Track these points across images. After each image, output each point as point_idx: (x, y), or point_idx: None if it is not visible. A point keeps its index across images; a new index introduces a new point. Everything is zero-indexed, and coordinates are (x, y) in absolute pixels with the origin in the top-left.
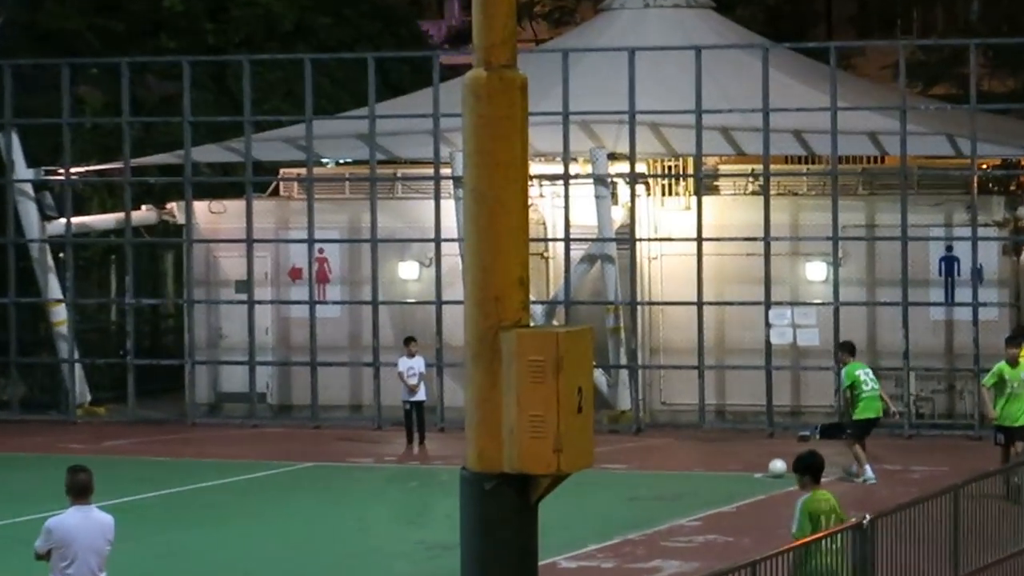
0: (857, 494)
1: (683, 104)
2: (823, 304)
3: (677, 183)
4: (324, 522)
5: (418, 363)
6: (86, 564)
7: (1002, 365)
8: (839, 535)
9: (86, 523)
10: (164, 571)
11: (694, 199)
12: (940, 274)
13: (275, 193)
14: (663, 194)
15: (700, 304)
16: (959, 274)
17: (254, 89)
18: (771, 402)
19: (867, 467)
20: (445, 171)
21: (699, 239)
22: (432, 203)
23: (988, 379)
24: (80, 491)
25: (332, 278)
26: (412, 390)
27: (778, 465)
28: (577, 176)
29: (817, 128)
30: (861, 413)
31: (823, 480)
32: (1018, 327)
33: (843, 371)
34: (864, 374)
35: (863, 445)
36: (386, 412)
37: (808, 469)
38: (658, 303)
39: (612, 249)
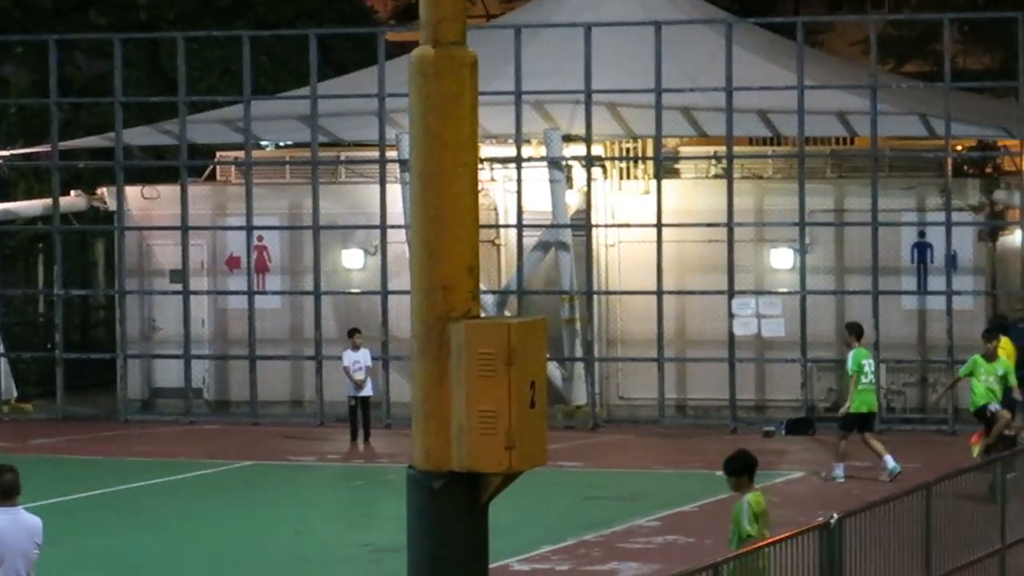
0: (824, 492)
1: (642, 83)
2: (789, 293)
3: (635, 166)
4: (263, 525)
5: (364, 356)
6: (13, 568)
7: (977, 358)
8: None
9: (13, 526)
10: None
11: (653, 183)
12: (912, 261)
13: (211, 177)
14: (621, 178)
15: (660, 293)
16: (932, 261)
17: (189, 68)
18: (734, 396)
19: (841, 466)
20: (391, 154)
21: (659, 225)
22: (377, 188)
23: (963, 370)
24: (6, 492)
25: (272, 267)
26: (358, 385)
27: None
28: (530, 159)
29: (783, 108)
30: (857, 406)
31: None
32: (994, 318)
33: (850, 355)
34: (868, 364)
35: (847, 440)
36: (329, 408)
37: (748, 468)
38: (615, 292)
39: (567, 236)
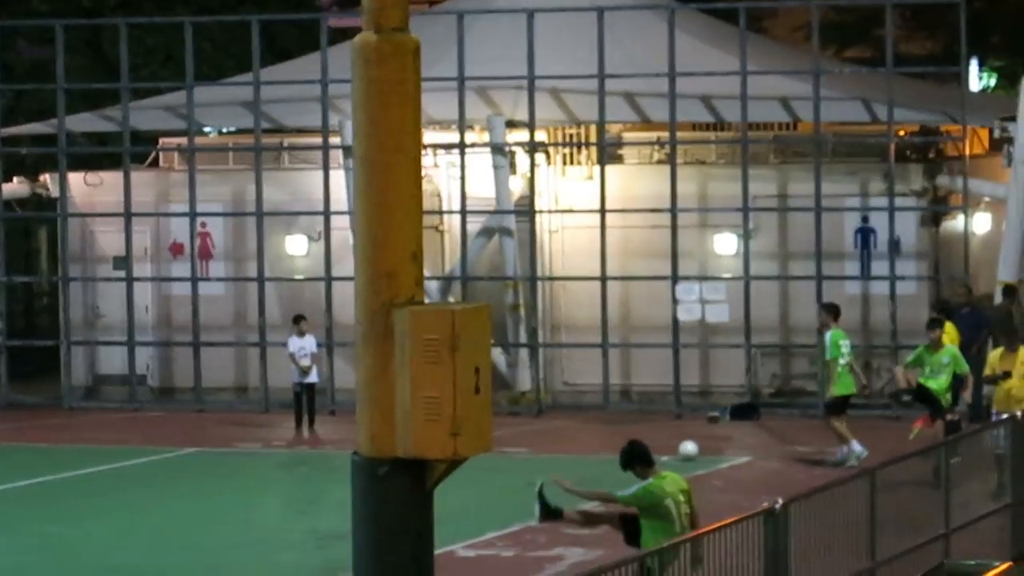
0: (769, 478)
1: (585, 69)
2: (733, 279)
3: (579, 152)
4: (208, 511)
5: (309, 343)
6: None
7: (922, 348)
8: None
9: None
10: (35, 564)
11: (597, 169)
12: (856, 246)
13: (154, 164)
14: (564, 163)
15: (604, 279)
16: (876, 246)
17: (132, 54)
18: (679, 382)
19: (854, 442)
20: (334, 140)
21: (602, 211)
22: (320, 174)
23: (909, 360)
24: None
25: (215, 254)
26: (304, 371)
27: (689, 447)
28: (473, 145)
29: (726, 93)
30: (841, 388)
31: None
32: (937, 303)
33: (828, 336)
34: (845, 344)
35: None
36: (273, 394)
37: (635, 459)
38: (559, 278)
39: (511, 222)
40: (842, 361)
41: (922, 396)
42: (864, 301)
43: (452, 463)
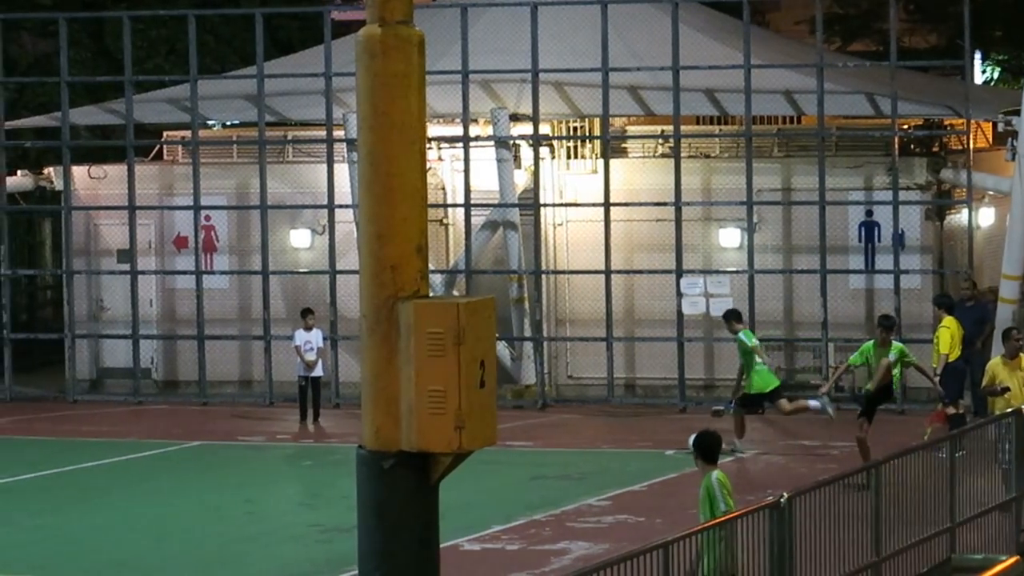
0: (774, 472)
1: (589, 62)
2: (737, 272)
3: (583, 145)
4: (212, 505)
5: (316, 336)
6: None
7: (869, 345)
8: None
9: None
10: (40, 556)
11: (601, 162)
12: (860, 240)
13: (158, 157)
14: (568, 157)
15: (608, 273)
16: (880, 240)
17: (135, 47)
18: (683, 375)
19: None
20: (338, 133)
21: (606, 204)
22: (324, 167)
23: (854, 358)
24: None
25: (219, 247)
26: (309, 365)
27: None
28: (477, 138)
29: (730, 87)
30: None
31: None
32: (937, 297)
33: (742, 336)
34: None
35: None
36: (278, 388)
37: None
38: (563, 272)
39: (515, 215)
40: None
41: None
42: (868, 295)
43: (457, 457)
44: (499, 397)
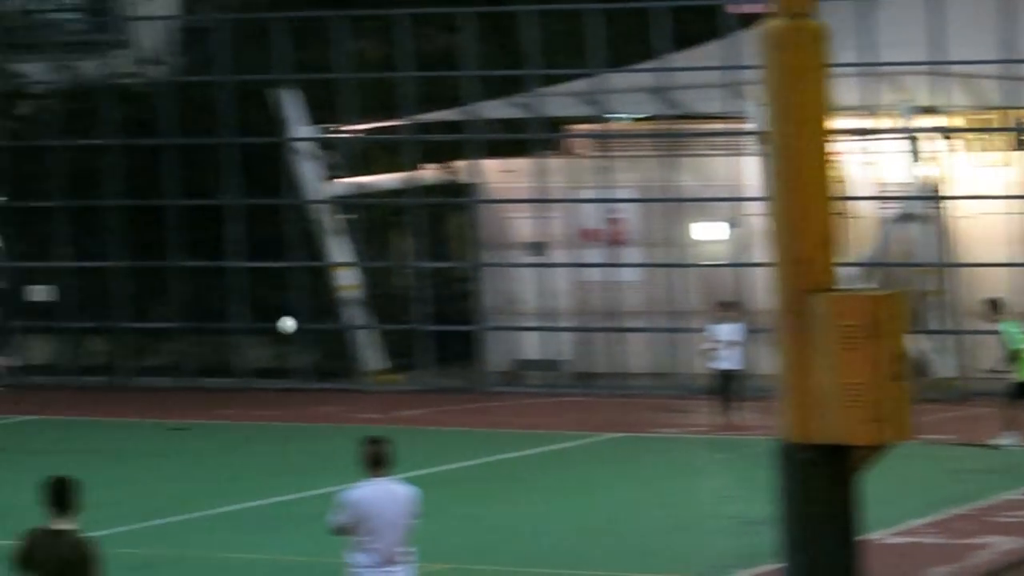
0: None
1: (995, 53)
2: None
3: (990, 137)
4: (630, 496)
5: (733, 330)
6: (387, 538)
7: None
8: None
9: (385, 496)
10: (459, 547)
11: (1011, 155)
12: None
13: (562, 150)
14: (976, 150)
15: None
16: None
17: (540, 42)
18: None
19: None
20: (745, 126)
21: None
22: (732, 160)
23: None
24: (377, 462)
25: (629, 240)
26: (723, 358)
27: (287, 323)
28: (882, 131)
29: None
30: None
31: None
32: None
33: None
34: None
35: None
36: (694, 380)
37: None
38: (973, 265)
39: (923, 208)
40: None
41: None
42: None
43: (874, 450)
44: (914, 390)
